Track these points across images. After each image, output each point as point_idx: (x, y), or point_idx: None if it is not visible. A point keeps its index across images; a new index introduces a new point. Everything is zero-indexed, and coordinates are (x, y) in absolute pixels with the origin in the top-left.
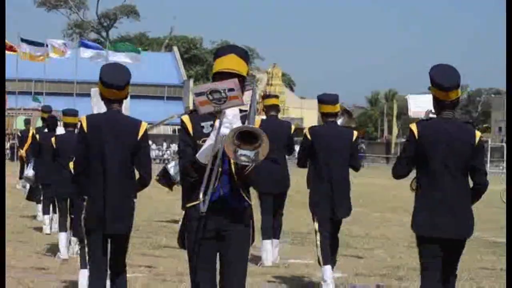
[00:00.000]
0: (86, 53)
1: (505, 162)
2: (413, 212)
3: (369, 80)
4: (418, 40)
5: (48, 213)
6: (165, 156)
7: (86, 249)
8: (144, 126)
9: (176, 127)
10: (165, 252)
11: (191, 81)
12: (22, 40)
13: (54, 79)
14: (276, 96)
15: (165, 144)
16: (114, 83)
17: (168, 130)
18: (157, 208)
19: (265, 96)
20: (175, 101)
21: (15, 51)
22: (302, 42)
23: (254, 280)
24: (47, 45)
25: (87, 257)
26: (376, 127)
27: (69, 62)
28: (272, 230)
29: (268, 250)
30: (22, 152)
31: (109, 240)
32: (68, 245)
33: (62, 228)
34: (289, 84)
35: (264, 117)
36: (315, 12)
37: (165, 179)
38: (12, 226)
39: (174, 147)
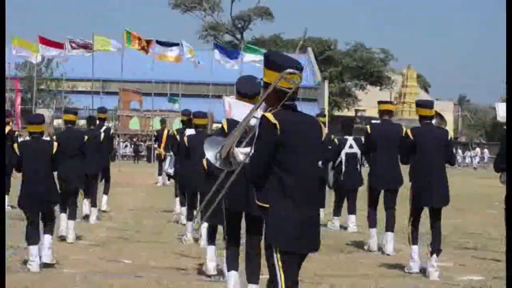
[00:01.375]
0: (219, 56)
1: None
2: None
3: None
4: None
5: (185, 205)
6: None
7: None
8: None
9: None
10: None
11: (326, 83)
12: (157, 42)
13: (189, 81)
14: (391, 102)
15: None
16: (248, 92)
17: None
18: None
19: (380, 102)
20: (310, 102)
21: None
22: (437, 43)
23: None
24: (182, 45)
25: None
26: None
27: (205, 64)
28: (386, 224)
29: (375, 238)
30: (160, 150)
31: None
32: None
33: (189, 217)
34: (424, 85)
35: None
36: (450, 13)
37: None
38: (150, 227)
39: None
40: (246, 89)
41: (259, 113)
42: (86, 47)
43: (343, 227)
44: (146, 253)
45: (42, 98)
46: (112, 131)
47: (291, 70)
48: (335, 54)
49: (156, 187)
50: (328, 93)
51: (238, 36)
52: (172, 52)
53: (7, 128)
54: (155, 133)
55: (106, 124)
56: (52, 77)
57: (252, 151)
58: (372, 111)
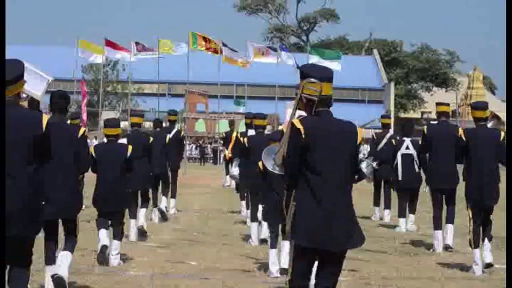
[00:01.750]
0: (287, 58)
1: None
2: None
3: None
4: None
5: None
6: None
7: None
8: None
9: (377, 131)
10: (369, 256)
11: (392, 84)
12: (223, 44)
13: (255, 83)
14: (447, 104)
15: (366, 147)
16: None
17: (369, 133)
18: (357, 212)
19: (438, 103)
20: (376, 104)
21: (213, 51)
22: (504, 44)
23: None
24: (248, 48)
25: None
26: None
27: (270, 65)
28: (446, 218)
29: (439, 239)
30: (227, 151)
31: None
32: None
33: (253, 218)
34: (490, 87)
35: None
36: None
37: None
38: (216, 228)
39: (367, 148)
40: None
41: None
42: (152, 50)
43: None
44: (212, 254)
45: (108, 100)
46: (182, 133)
47: (312, 80)
48: (401, 56)
49: (222, 189)
50: (394, 95)
51: (304, 38)
52: (239, 57)
53: (81, 130)
54: (223, 135)
55: (176, 126)
56: (118, 79)
57: (285, 154)
58: None
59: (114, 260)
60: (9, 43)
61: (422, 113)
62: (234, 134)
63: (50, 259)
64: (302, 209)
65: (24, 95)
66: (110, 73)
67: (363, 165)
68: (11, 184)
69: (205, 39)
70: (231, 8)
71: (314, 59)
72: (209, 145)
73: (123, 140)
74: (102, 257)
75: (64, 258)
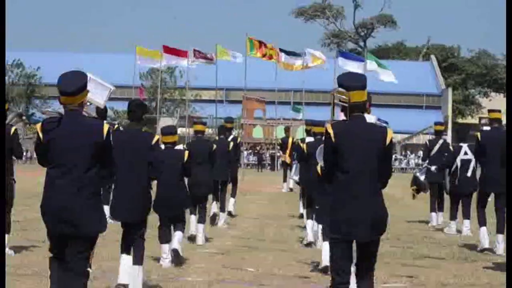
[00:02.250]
0: (344, 63)
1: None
2: None
3: None
4: None
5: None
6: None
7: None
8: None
9: (431, 137)
10: (426, 262)
11: (449, 90)
12: (281, 50)
13: (313, 89)
14: (499, 111)
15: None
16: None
17: (422, 139)
18: (415, 217)
19: (490, 110)
20: (434, 110)
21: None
22: None
23: None
24: (305, 54)
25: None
26: None
27: (327, 71)
28: (497, 226)
29: (485, 236)
30: (285, 156)
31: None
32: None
33: (309, 217)
34: None
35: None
36: None
37: (415, 185)
38: (273, 234)
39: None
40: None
41: (370, 117)
42: (210, 58)
43: (459, 231)
44: (270, 261)
45: (166, 107)
46: (239, 139)
47: (340, 89)
48: (459, 61)
49: (280, 194)
50: (452, 101)
51: (361, 43)
52: (297, 61)
53: (155, 138)
54: (280, 141)
55: (233, 133)
56: (176, 86)
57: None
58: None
59: (176, 246)
60: (71, 51)
61: (480, 118)
62: (290, 140)
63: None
64: (334, 205)
65: (88, 104)
66: (168, 80)
67: (419, 175)
68: (77, 183)
69: (261, 44)
70: (288, 14)
71: (371, 65)
72: (266, 151)
73: (180, 146)
74: (177, 260)
75: (134, 271)
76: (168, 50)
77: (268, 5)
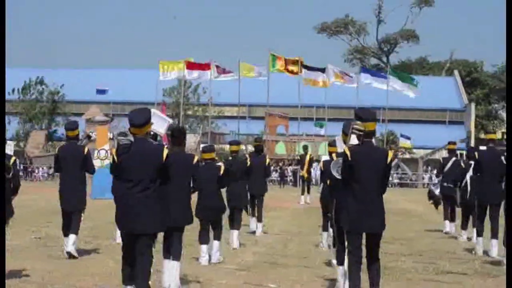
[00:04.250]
0: (367, 79)
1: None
2: None
3: None
4: None
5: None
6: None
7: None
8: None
9: (444, 156)
10: (448, 277)
11: (473, 105)
12: (304, 66)
13: (335, 105)
14: (494, 132)
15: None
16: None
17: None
18: (437, 232)
19: (486, 132)
20: (457, 125)
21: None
22: None
23: None
24: (328, 71)
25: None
26: None
27: (350, 87)
28: (492, 233)
29: (480, 245)
30: (303, 172)
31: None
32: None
33: (324, 229)
34: None
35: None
36: None
37: (431, 198)
38: (296, 251)
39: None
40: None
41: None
42: (228, 72)
43: (469, 238)
44: (292, 277)
45: (189, 123)
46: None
47: (358, 122)
48: (482, 76)
49: (303, 209)
50: (475, 116)
51: (384, 59)
52: (319, 77)
53: (195, 158)
54: (299, 157)
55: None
56: (199, 102)
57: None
58: None
59: (214, 257)
60: (94, 68)
61: (503, 133)
62: (308, 157)
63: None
64: (348, 206)
65: (152, 133)
66: (191, 97)
67: (434, 188)
68: (143, 193)
69: (285, 60)
70: (311, 30)
71: (394, 82)
72: (289, 168)
73: (220, 164)
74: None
75: (173, 268)
76: (191, 65)
77: (291, 20)
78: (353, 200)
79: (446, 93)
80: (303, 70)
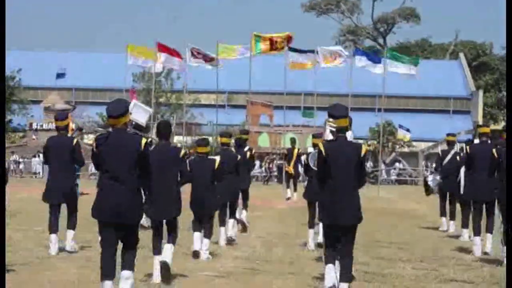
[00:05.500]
0: (361, 62)
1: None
2: None
3: None
4: None
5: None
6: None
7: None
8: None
9: (444, 148)
10: (453, 286)
11: (480, 92)
12: (290, 49)
13: (326, 92)
14: (488, 126)
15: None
16: (335, 114)
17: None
18: (441, 236)
19: (479, 126)
20: (463, 115)
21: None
22: None
23: None
24: (317, 53)
25: None
26: None
27: (341, 73)
28: (486, 227)
29: (478, 245)
30: (289, 168)
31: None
32: None
33: (310, 226)
34: None
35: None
36: None
37: (425, 186)
38: (282, 256)
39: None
40: (335, 112)
41: (350, 134)
42: (211, 59)
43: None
44: (277, 285)
45: (161, 112)
46: (253, 151)
47: (330, 119)
48: (491, 60)
49: (290, 209)
50: (483, 104)
51: (380, 40)
52: (307, 59)
53: (182, 152)
54: (285, 151)
55: (247, 144)
56: (172, 89)
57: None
58: None
59: (204, 255)
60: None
61: None
62: (296, 151)
63: (157, 250)
64: (324, 201)
65: (133, 123)
66: (164, 83)
67: (430, 179)
68: (121, 185)
69: (271, 40)
70: (298, 8)
71: (391, 66)
72: (272, 162)
73: (217, 157)
74: (196, 255)
75: (168, 249)
76: (164, 48)
77: None
78: (328, 193)
79: (451, 79)
80: (289, 53)
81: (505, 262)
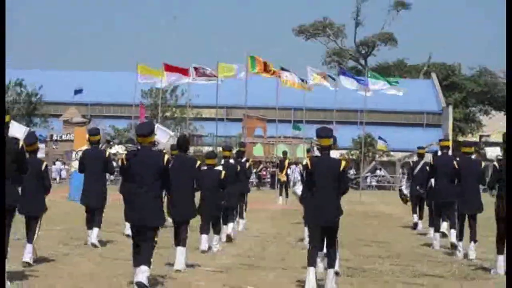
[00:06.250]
0: (346, 82)
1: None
2: None
3: None
4: None
5: None
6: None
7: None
8: None
9: (414, 159)
10: (426, 280)
11: (450, 108)
12: (282, 68)
13: (314, 107)
14: (448, 140)
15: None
16: (322, 134)
17: (427, 157)
18: (416, 236)
19: (440, 140)
20: (435, 128)
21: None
22: None
23: None
24: (307, 74)
25: None
26: None
27: (328, 90)
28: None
29: (438, 240)
30: (282, 175)
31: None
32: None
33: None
34: None
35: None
36: None
37: (401, 196)
38: (275, 254)
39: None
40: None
41: (335, 153)
42: (211, 75)
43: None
44: (271, 280)
45: (166, 125)
46: (250, 161)
47: (314, 139)
48: (459, 79)
49: (280, 211)
50: (452, 119)
51: (362, 61)
52: (296, 79)
53: (198, 162)
54: (278, 161)
55: (245, 155)
56: (177, 104)
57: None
58: (496, 136)
59: (214, 247)
60: (73, 70)
61: (481, 136)
62: (287, 162)
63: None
64: (309, 206)
65: (157, 143)
66: (169, 98)
67: (403, 188)
68: (146, 192)
69: (265, 64)
70: (290, 32)
71: (374, 84)
72: (266, 170)
73: (220, 167)
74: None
75: (180, 254)
76: (169, 68)
77: (269, 23)
78: (311, 198)
79: (424, 96)
80: (282, 73)
81: (474, 256)
